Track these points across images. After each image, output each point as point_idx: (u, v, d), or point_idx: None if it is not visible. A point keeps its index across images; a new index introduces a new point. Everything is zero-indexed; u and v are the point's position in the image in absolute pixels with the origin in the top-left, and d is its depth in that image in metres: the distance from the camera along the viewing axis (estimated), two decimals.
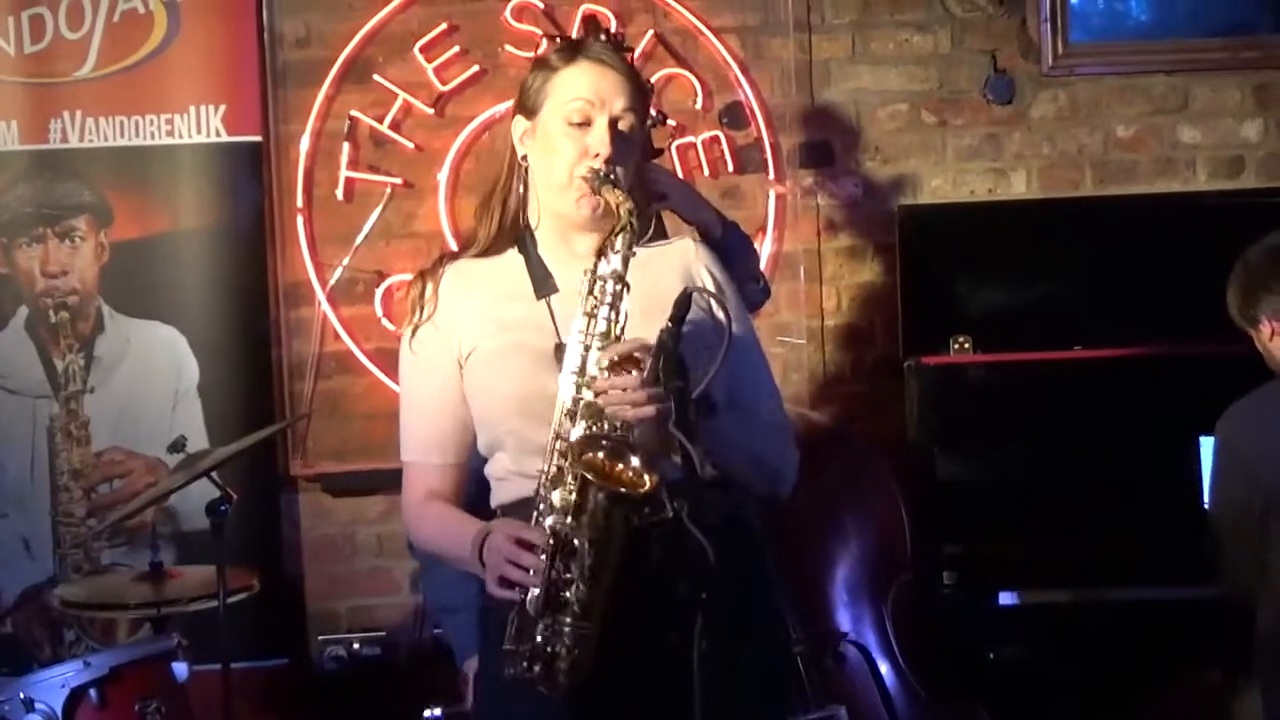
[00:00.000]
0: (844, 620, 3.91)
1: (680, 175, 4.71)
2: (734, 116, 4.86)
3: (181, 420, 4.63)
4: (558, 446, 2.39)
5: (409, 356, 2.64)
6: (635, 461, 2.31)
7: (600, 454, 2.31)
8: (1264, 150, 4.95)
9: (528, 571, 2.33)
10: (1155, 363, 4.37)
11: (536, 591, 2.33)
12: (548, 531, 2.34)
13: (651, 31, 4.80)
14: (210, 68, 4.71)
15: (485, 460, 2.63)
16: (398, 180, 4.81)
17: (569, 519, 2.33)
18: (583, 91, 2.54)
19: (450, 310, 2.60)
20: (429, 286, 2.62)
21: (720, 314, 2.43)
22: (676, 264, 2.65)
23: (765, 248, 4.81)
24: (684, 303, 2.34)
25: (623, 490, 2.29)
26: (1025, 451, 4.41)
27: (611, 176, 2.49)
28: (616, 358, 2.35)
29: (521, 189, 2.63)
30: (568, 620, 2.31)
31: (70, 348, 4.67)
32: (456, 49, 4.80)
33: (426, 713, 3.59)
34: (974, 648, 4.27)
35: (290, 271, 4.82)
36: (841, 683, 3.78)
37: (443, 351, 2.59)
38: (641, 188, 2.69)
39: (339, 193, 4.80)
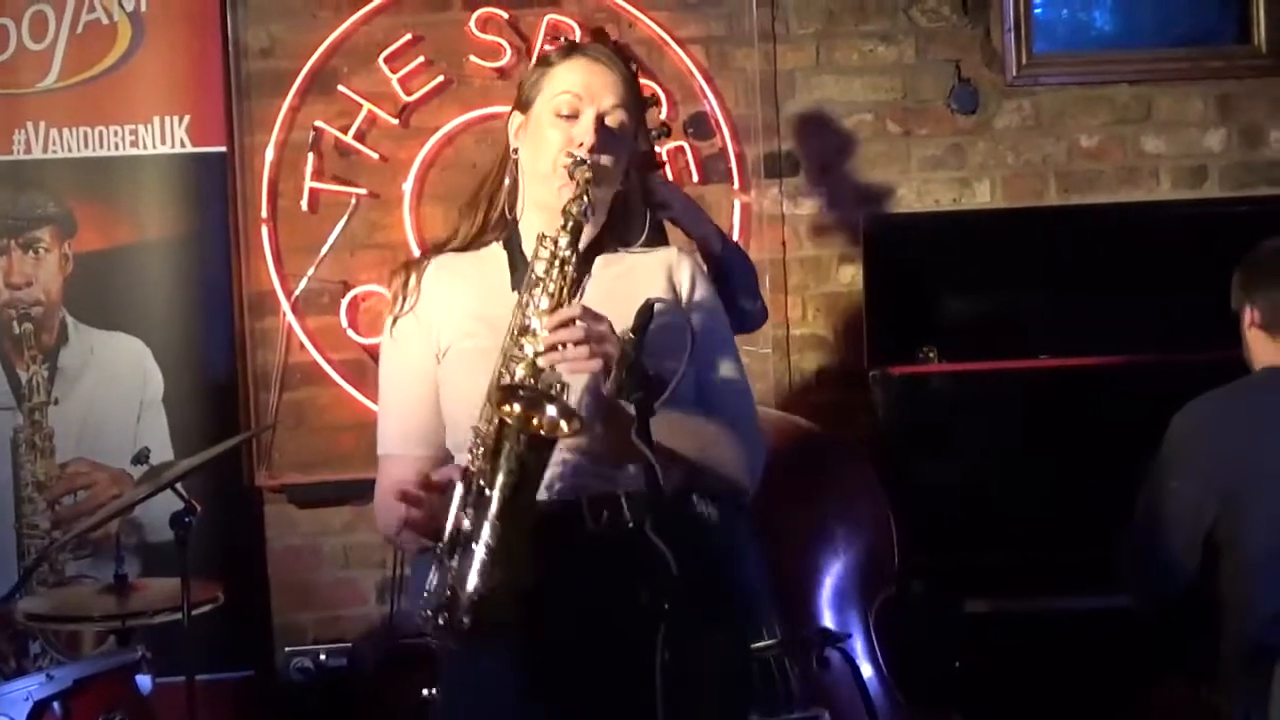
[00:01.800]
0: (829, 625, 3.90)
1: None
2: (699, 127, 4.87)
3: (146, 431, 4.62)
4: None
5: (389, 345, 2.64)
6: (551, 410, 2.27)
7: (518, 405, 2.27)
8: (1227, 160, 4.97)
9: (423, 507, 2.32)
10: (1121, 371, 4.38)
11: (445, 538, 2.30)
12: (458, 471, 2.33)
13: (616, 41, 4.80)
14: (174, 78, 4.70)
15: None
16: (363, 191, 4.81)
17: (481, 461, 2.31)
18: (572, 85, 2.56)
19: (431, 303, 2.60)
20: (412, 277, 2.62)
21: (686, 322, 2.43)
22: (659, 271, 2.64)
23: None
24: (645, 313, 2.34)
25: (541, 434, 2.26)
26: (992, 460, 4.41)
27: (587, 162, 2.49)
28: (557, 324, 2.33)
29: (509, 182, 2.65)
30: (470, 561, 2.26)
31: (34, 359, 4.65)
32: (421, 59, 4.79)
33: (425, 691, 3.58)
34: (941, 655, 4.27)
35: (255, 282, 4.81)
36: (825, 687, 3.77)
37: (421, 343, 2.59)
38: (643, 194, 2.73)
39: (304, 203, 4.80)
